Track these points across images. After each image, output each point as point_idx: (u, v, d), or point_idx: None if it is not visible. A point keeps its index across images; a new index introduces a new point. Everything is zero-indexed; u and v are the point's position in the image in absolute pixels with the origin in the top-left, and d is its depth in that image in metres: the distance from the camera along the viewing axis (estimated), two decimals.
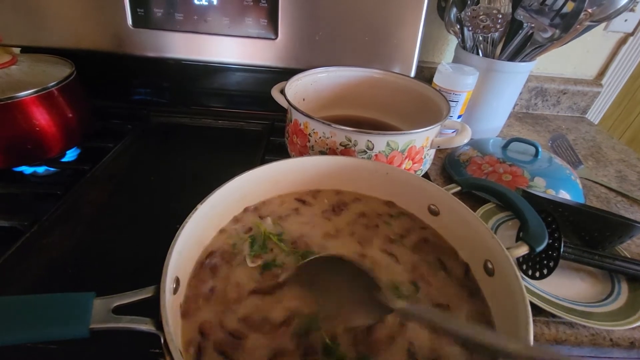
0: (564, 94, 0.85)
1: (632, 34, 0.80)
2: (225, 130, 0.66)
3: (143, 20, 0.60)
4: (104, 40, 0.62)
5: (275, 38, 0.62)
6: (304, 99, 0.58)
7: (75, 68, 0.54)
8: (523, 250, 0.30)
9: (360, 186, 0.42)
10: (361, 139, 0.43)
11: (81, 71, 0.54)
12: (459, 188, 0.37)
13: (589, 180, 0.64)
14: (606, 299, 0.41)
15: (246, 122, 0.67)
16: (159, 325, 0.23)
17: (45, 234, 0.41)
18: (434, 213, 0.37)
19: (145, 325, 0.23)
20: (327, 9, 0.60)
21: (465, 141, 0.46)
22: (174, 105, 0.70)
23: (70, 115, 0.52)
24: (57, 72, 0.51)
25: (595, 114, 0.89)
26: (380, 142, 0.42)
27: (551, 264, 0.39)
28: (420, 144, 0.45)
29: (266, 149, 0.59)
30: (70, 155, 0.56)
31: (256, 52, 0.64)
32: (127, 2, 0.58)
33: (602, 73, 0.86)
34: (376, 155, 0.43)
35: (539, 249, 0.29)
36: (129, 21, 0.60)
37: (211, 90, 0.70)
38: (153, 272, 0.27)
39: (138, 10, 0.59)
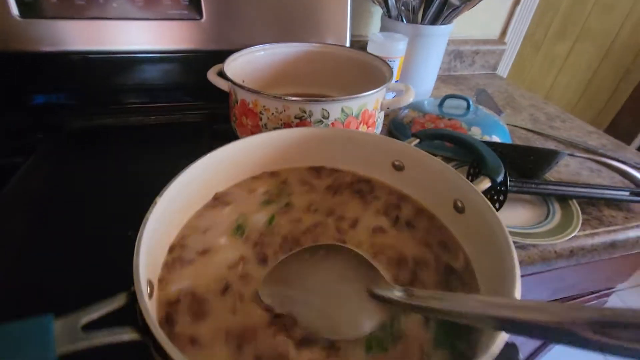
0: (477, 54, 0.95)
1: None
2: (160, 126, 0.60)
3: (32, 8, 0.50)
4: None
5: (200, 18, 0.57)
6: (243, 81, 0.55)
7: None
8: (486, 183, 0.32)
9: (327, 157, 0.41)
10: (316, 109, 0.42)
11: None
12: (417, 140, 0.38)
13: (510, 125, 0.72)
14: (545, 219, 0.48)
15: (183, 114, 0.61)
16: (145, 330, 0.20)
17: None
18: (399, 168, 0.39)
19: (127, 335, 0.20)
20: None
21: (411, 100, 0.48)
22: (90, 106, 0.61)
23: None
24: None
25: (503, 69, 1.01)
26: (335, 109, 0.42)
27: (501, 197, 0.43)
28: (372, 107, 0.45)
29: (212, 138, 0.54)
30: None
31: (180, 36, 0.58)
32: None
33: (503, 32, 0.97)
34: (332, 123, 0.43)
35: (499, 179, 0.32)
36: (14, 10, 0.50)
37: (132, 86, 0.62)
38: (108, 290, 0.22)
39: None
